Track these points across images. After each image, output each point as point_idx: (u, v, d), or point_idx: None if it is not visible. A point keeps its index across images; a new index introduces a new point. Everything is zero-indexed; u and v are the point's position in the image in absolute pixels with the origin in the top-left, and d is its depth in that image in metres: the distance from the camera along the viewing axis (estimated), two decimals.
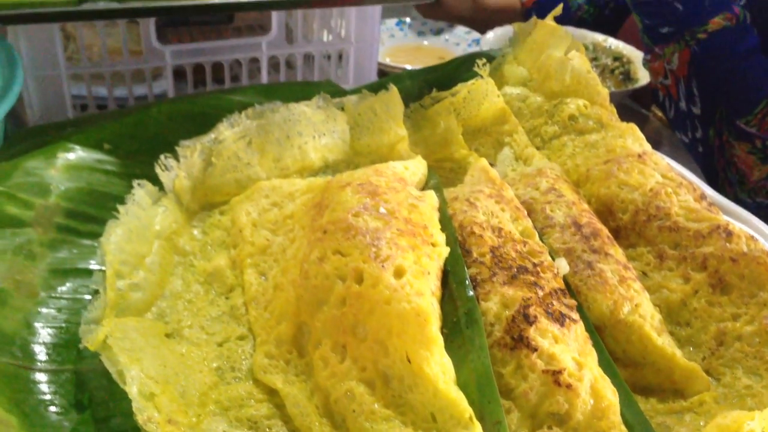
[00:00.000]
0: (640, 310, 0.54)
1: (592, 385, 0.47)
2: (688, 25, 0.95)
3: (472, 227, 0.57)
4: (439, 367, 0.47)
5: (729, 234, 0.58)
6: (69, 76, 0.85)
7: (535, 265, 0.55)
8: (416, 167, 0.67)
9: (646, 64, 1.05)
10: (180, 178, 0.67)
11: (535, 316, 0.50)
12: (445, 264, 0.55)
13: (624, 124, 0.74)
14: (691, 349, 0.56)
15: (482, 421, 0.45)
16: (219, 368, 0.54)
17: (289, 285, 0.55)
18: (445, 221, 0.59)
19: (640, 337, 0.53)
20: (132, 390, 0.47)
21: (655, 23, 0.98)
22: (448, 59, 1.37)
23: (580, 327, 0.51)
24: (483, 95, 0.78)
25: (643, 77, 1.22)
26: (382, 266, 0.50)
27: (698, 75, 0.97)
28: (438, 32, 1.42)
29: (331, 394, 0.49)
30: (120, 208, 0.61)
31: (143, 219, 0.63)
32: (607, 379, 0.48)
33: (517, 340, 0.49)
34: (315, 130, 0.74)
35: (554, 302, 0.52)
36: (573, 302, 0.53)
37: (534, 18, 0.84)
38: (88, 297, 0.59)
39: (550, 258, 0.56)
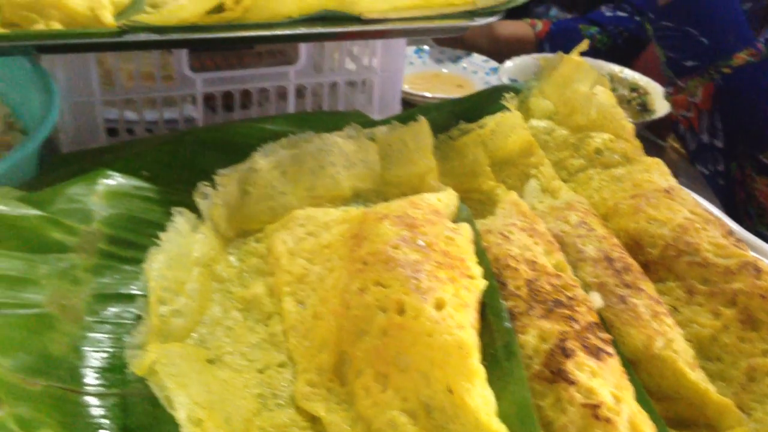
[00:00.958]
0: (674, 344, 0.56)
1: (630, 420, 0.48)
2: (713, 59, 0.97)
3: (507, 260, 0.59)
4: (481, 399, 0.48)
5: (758, 270, 0.60)
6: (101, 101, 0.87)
7: (569, 298, 0.56)
8: (449, 199, 0.68)
9: (668, 96, 1.07)
10: (217, 205, 0.69)
11: (573, 350, 0.51)
12: (482, 296, 0.56)
13: (650, 159, 0.76)
14: (722, 383, 0.57)
15: None
16: (261, 395, 0.55)
17: (330, 314, 0.57)
18: (481, 254, 0.60)
19: (673, 372, 0.55)
20: (180, 415, 0.49)
21: (679, 57, 1.00)
22: (466, 86, 1.40)
23: (616, 361, 0.52)
24: (510, 128, 0.80)
25: (661, 108, 1.24)
26: (423, 298, 0.52)
27: (722, 109, 0.98)
28: (456, 60, 1.44)
29: (373, 423, 0.50)
30: (161, 235, 0.63)
31: (183, 246, 0.64)
32: (645, 414, 0.49)
33: (556, 374, 0.50)
34: (347, 160, 0.75)
35: (590, 336, 0.53)
36: (608, 336, 0.54)
37: (560, 53, 0.86)
38: (130, 322, 0.60)
39: (583, 292, 0.58)
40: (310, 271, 0.63)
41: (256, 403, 0.54)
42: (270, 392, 0.56)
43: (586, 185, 0.77)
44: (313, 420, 0.53)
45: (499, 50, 1.48)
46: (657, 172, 0.74)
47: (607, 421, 0.48)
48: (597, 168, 0.78)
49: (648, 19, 1.03)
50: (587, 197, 0.74)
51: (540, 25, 1.61)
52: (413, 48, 1.45)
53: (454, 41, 1.50)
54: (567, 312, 0.54)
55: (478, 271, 0.57)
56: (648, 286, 0.60)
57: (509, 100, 0.81)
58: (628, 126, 0.79)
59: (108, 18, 0.71)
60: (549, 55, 1.44)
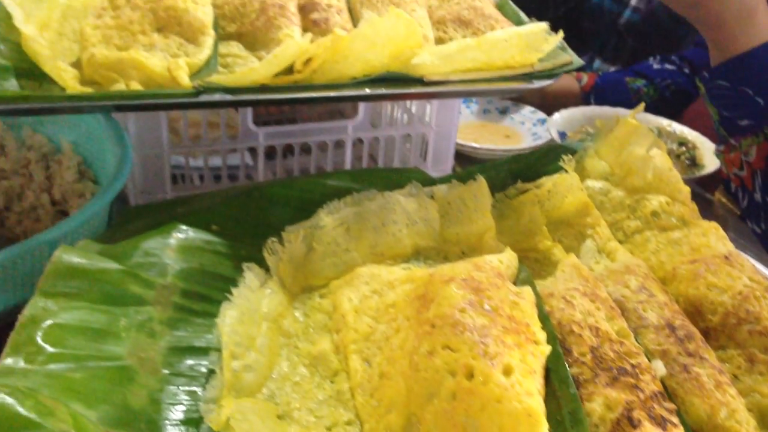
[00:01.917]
0: (737, 415, 0.56)
1: None
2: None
3: (570, 326, 0.60)
4: None
5: None
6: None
7: (633, 366, 0.57)
8: (509, 260, 0.70)
9: (720, 155, 1.08)
10: (284, 261, 0.71)
11: (639, 420, 0.52)
12: (546, 362, 0.57)
13: (706, 223, 0.77)
14: None
15: None
16: None
17: (398, 375, 0.58)
18: (543, 318, 0.61)
19: None
20: None
21: (733, 116, 1.01)
22: (513, 137, 1.42)
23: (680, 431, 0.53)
24: (567, 189, 0.82)
25: (710, 164, 1.24)
26: (492, 363, 0.53)
27: None
28: (504, 111, 1.46)
29: None
30: (233, 290, 0.66)
31: (253, 301, 0.67)
32: None
33: None
34: (408, 218, 0.78)
35: (655, 405, 0.54)
36: (672, 406, 0.55)
37: (616, 116, 0.87)
38: (203, 375, 0.62)
39: (646, 359, 0.59)
40: (375, 329, 0.65)
41: None
42: None
43: (643, 247, 0.78)
44: None
45: (545, 102, 1.50)
46: (714, 236, 0.75)
47: None
48: (654, 230, 0.79)
49: (701, 77, 1.04)
50: (644, 260, 0.75)
51: (585, 78, 1.63)
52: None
53: None
54: (632, 380, 0.55)
55: (542, 336, 0.58)
56: (710, 355, 0.61)
57: (567, 163, 0.83)
58: (685, 189, 0.80)
59: (185, 79, 0.75)
60: (598, 108, 1.46)
